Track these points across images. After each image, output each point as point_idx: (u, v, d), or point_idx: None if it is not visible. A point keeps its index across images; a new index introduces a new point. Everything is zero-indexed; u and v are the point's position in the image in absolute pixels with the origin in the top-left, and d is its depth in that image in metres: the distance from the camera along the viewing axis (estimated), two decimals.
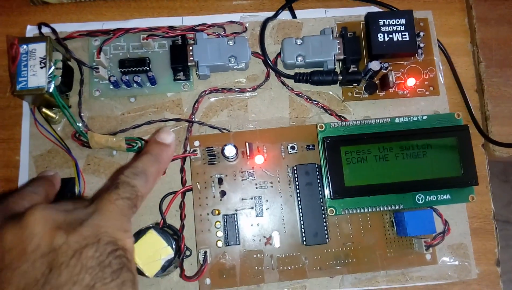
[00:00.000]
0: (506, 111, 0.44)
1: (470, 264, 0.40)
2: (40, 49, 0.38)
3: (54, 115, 0.40)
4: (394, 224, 0.39)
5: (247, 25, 0.43)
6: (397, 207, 0.37)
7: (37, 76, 0.37)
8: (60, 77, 0.38)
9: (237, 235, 0.38)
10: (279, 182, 0.39)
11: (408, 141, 0.38)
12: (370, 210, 0.37)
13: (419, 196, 0.38)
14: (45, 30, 0.42)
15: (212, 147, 0.39)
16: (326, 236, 0.37)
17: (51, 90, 0.37)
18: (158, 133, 0.33)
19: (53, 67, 0.38)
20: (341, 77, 0.41)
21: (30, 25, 0.44)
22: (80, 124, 0.40)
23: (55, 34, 0.41)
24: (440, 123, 0.39)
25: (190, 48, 0.40)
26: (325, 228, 0.38)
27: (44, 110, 0.39)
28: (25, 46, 0.38)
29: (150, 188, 0.29)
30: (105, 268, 0.22)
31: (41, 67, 0.37)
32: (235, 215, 0.38)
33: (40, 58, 0.38)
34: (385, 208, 0.37)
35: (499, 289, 0.41)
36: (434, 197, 0.38)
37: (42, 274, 0.21)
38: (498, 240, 0.43)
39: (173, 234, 0.37)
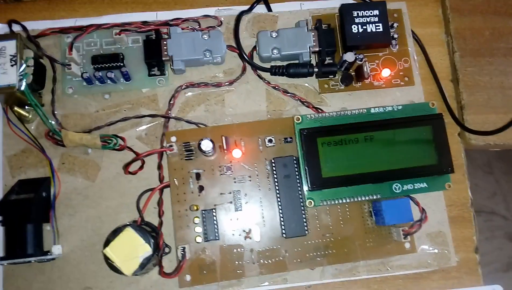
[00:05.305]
0: (481, 100, 0.44)
1: (449, 251, 0.41)
2: (10, 46, 0.37)
3: (27, 114, 0.39)
4: (373, 214, 0.39)
5: (222, 19, 0.43)
6: (374, 197, 0.38)
7: (8, 74, 0.37)
8: (31, 75, 0.38)
9: (216, 230, 0.38)
10: (257, 175, 0.39)
11: (384, 131, 0.38)
12: (348, 200, 0.37)
13: (396, 185, 0.38)
14: (16, 28, 0.41)
15: (189, 142, 0.39)
16: (306, 228, 0.37)
17: (22, 88, 0.37)
18: None
19: (24, 65, 0.37)
20: (317, 69, 0.41)
21: (1, 23, 0.43)
22: (54, 122, 0.39)
23: (26, 32, 0.40)
24: (415, 112, 0.39)
25: (164, 42, 0.40)
26: (304, 220, 0.38)
27: (16, 108, 0.39)
28: None
29: None
30: None
31: (12, 65, 0.37)
32: (213, 210, 0.38)
33: (11, 56, 0.37)
34: (363, 198, 0.37)
35: (478, 275, 0.41)
36: (411, 186, 0.38)
37: None
38: (477, 228, 0.43)
39: (151, 231, 0.37)
